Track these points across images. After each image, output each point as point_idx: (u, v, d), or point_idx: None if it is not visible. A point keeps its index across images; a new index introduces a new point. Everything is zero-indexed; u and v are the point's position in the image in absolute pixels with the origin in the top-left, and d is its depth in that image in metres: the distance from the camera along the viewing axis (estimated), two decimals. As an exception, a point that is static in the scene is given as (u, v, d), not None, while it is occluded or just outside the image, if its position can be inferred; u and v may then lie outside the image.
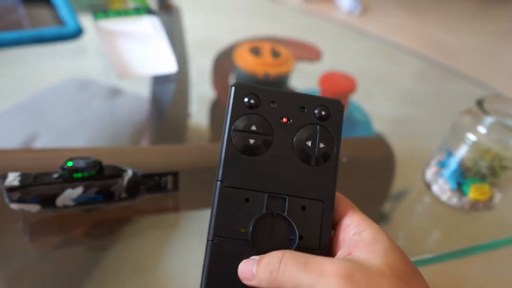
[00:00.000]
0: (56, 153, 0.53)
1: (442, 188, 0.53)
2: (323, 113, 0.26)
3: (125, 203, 0.44)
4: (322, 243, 0.25)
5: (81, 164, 0.41)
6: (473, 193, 0.51)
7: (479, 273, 0.97)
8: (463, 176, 0.52)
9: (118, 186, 0.42)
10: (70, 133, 0.66)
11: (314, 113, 0.26)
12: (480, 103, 0.49)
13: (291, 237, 0.24)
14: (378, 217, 0.56)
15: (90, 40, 0.73)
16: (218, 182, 0.25)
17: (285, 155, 0.25)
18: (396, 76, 0.97)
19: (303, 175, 0.25)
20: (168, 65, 0.70)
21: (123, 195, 0.43)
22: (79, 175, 0.41)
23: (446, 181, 0.53)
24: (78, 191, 0.41)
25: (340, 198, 0.27)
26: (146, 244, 0.47)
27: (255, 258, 0.23)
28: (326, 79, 0.70)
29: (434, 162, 0.56)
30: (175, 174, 0.46)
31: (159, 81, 0.78)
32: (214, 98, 0.79)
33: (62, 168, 0.40)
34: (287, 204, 0.25)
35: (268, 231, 0.24)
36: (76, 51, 0.84)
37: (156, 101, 0.81)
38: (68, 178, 0.40)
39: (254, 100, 0.25)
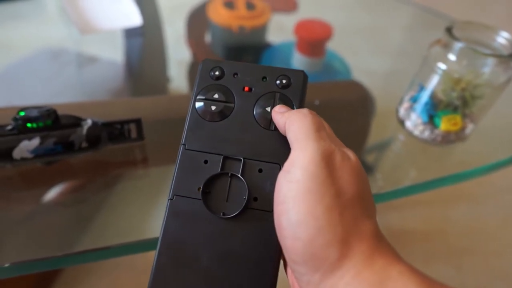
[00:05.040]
0: (12, 109, 0.52)
1: (415, 123, 0.53)
2: (284, 81, 0.27)
3: (87, 154, 0.43)
4: None
5: (34, 113, 0.39)
6: (444, 124, 0.50)
7: (464, 215, 0.99)
8: (435, 109, 0.51)
9: (78, 135, 0.41)
10: (46, 103, 0.65)
11: (276, 82, 0.28)
12: (449, 30, 0.48)
13: (244, 197, 0.25)
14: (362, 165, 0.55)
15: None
16: (181, 146, 0.26)
17: (246, 121, 0.27)
18: (382, 28, 0.94)
19: (261, 140, 0.26)
20: (131, 17, 0.67)
21: (84, 144, 0.42)
22: (34, 125, 0.39)
23: (418, 115, 0.52)
24: (35, 142, 0.39)
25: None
26: (130, 208, 0.46)
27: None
28: (302, 26, 0.68)
29: (406, 98, 0.55)
30: (138, 122, 0.45)
31: (131, 44, 0.75)
32: (192, 59, 0.77)
33: (15, 119, 0.39)
34: (242, 165, 0.26)
35: (222, 191, 0.25)
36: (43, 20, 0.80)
37: (130, 64, 0.79)
38: (23, 128, 0.39)
39: (218, 72, 0.28)
